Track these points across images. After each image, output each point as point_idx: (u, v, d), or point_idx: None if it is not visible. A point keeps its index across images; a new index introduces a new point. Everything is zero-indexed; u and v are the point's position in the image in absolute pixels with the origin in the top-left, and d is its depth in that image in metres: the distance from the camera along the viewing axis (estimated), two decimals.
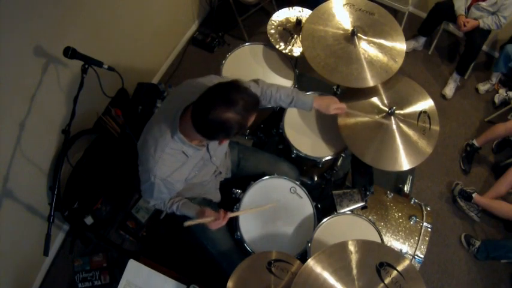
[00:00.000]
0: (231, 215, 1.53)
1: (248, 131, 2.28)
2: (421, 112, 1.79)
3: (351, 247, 1.29)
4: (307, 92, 2.04)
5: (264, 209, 1.67)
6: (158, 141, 1.30)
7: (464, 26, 2.76)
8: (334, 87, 2.22)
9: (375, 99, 1.82)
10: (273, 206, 1.70)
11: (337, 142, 1.92)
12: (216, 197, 1.84)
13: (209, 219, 1.48)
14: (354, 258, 1.27)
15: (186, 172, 1.41)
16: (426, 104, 1.82)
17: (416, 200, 2.02)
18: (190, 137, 1.31)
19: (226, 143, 1.60)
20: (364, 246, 1.30)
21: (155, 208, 1.61)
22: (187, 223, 1.46)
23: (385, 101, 1.81)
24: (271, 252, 1.49)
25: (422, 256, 1.83)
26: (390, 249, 1.59)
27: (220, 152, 1.59)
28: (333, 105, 1.68)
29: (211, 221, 1.49)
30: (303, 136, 1.95)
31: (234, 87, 1.19)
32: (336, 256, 1.28)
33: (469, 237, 2.52)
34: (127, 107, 2.43)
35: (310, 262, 1.26)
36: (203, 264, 2.05)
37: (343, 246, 1.30)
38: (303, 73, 2.27)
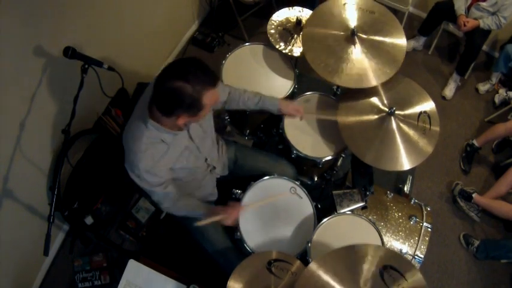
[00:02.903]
0: (244, 206, 1.52)
1: (248, 130, 2.28)
2: (421, 112, 1.79)
3: (356, 250, 1.28)
4: (307, 92, 2.06)
5: (274, 199, 1.71)
6: (134, 133, 1.33)
7: (464, 25, 2.76)
8: (334, 87, 2.22)
9: (375, 100, 1.82)
10: (282, 196, 1.73)
11: (337, 142, 1.92)
12: (213, 195, 1.84)
13: (221, 217, 1.48)
14: (355, 260, 1.26)
15: (169, 162, 1.42)
16: (426, 104, 1.81)
17: (416, 200, 2.02)
18: (162, 122, 1.32)
19: (209, 129, 1.61)
20: (369, 250, 1.30)
21: (168, 211, 1.60)
22: (200, 222, 1.46)
23: (385, 102, 1.81)
24: (271, 252, 1.49)
25: (422, 256, 1.83)
26: (391, 251, 1.59)
27: (207, 142, 1.60)
28: (291, 105, 1.77)
29: (224, 218, 1.49)
30: (303, 136, 1.95)
31: (192, 61, 1.23)
32: (338, 259, 1.27)
33: (467, 237, 2.52)
34: (127, 107, 2.43)
35: (313, 265, 1.25)
36: (203, 264, 2.05)
37: (347, 249, 1.29)
38: (303, 73, 2.27)
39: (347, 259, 1.27)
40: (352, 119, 1.79)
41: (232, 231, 1.75)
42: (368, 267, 1.25)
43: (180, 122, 1.28)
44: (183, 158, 1.46)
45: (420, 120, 1.77)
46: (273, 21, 2.17)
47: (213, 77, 1.24)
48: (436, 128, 1.76)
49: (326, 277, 1.22)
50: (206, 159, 1.63)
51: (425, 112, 1.79)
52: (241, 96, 1.70)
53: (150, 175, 1.37)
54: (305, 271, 1.25)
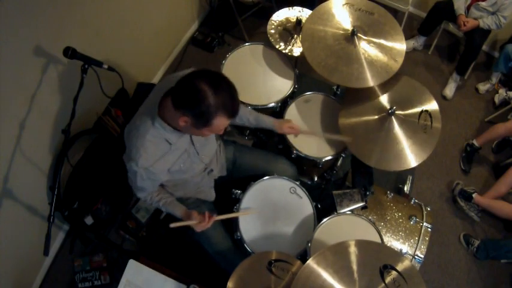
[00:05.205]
0: (215, 218, 1.55)
1: (248, 130, 2.28)
2: (422, 110, 1.79)
3: (352, 247, 1.29)
4: (307, 92, 2.07)
5: (245, 214, 1.72)
6: (139, 129, 1.32)
7: (464, 25, 2.76)
8: (334, 87, 2.22)
9: (375, 100, 1.82)
10: (255, 213, 1.74)
11: (337, 142, 1.92)
12: (211, 196, 1.84)
13: (195, 222, 1.52)
14: (355, 258, 1.27)
15: (169, 163, 1.42)
16: (427, 101, 1.81)
17: (416, 200, 2.02)
18: (168, 117, 1.30)
19: (212, 139, 1.62)
20: (365, 246, 1.30)
21: (145, 201, 1.61)
22: (173, 225, 1.50)
23: (386, 101, 1.81)
24: (271, 252, 1.49)
25: (422, 256, 1.83)
26: (391, 250, 1.59)
27: (209, 149, 1.60)
28: (286, 124, 1.78)
29: (197, 224, 1.52)
30: (303, 136, 1.95)
31: (228, 83, 1.22)
32: (337, 256, 1.28)
33: (468, 237, 2.52)
34: (127, 107, 2.43)
35: (311, 262, 1.26)
36: (203, 264, 2.05)
37: (344, 246, 1.30)
38: (303, 73, 2.27)
39: (343, 256, 1.27)
40: (353, 119, 1.79)
41: (232, 232, 1.75)
42: (364, 264, 1.25)
43: (180, 122, 1.24)
44: (180, 160, 1.46)
45: (421, 118, 1.77)
46: (273, 21, 2.17)
47: (235, 109, 1.23)
48: (437, 125, 1.76)
49: (323, 274, 1.23)
50: (205, 164, 1.63)
51: (426, 110, 1.79)
52: (241, 108, 1.68)
53: (147, 173, 1.37)
54: (302, 269, 1.25)
